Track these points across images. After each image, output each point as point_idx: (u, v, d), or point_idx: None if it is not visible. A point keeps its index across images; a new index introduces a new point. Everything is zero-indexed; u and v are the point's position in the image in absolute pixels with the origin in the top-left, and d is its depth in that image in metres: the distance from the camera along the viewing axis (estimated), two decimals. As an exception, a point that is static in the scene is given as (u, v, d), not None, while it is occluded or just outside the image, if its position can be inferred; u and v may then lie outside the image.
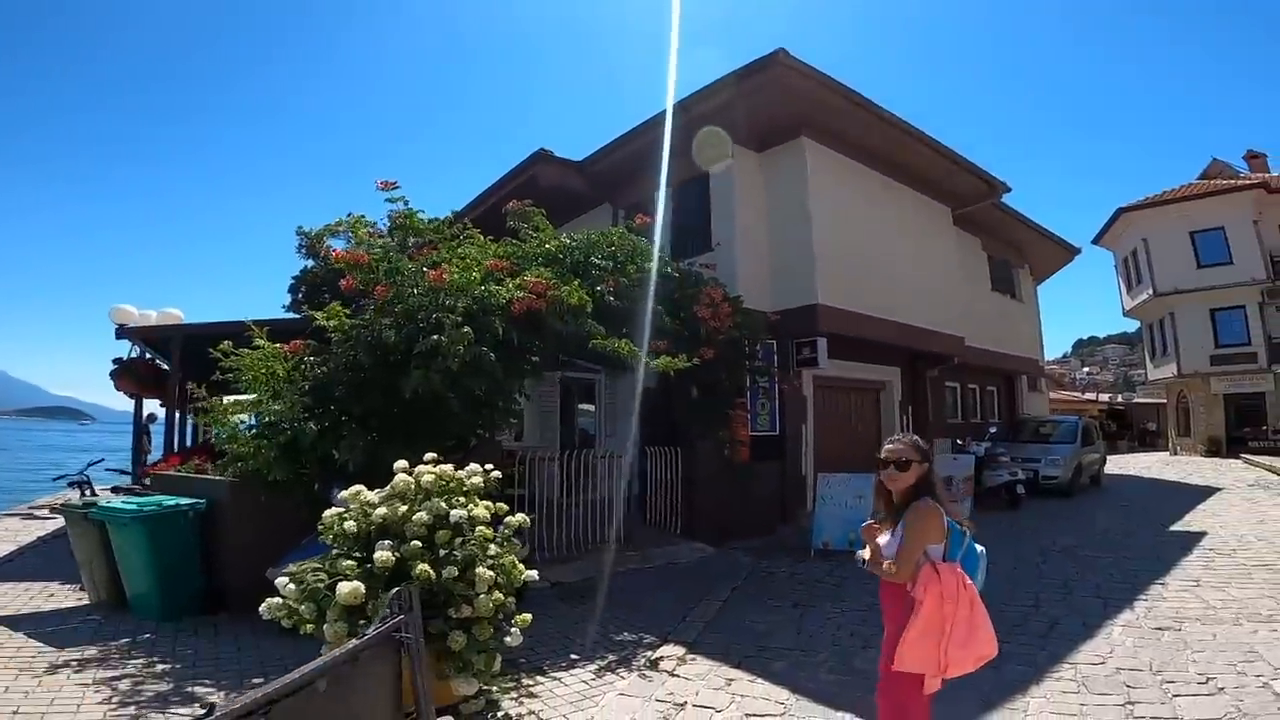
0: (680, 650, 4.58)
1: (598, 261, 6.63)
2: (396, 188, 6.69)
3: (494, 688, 3.55)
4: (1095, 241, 25.96)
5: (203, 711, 1.81)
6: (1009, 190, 12.83)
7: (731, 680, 4.05)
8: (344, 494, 3.61)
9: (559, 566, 6.54)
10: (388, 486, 3.49)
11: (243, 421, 5.53)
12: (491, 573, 3.22)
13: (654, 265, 6.98)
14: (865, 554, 2.67)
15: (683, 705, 3.70)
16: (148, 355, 10.43)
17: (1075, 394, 39.60)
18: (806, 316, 9.66)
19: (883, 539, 2.61)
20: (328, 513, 3.48)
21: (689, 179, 10.53)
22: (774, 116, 9.71)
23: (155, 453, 12.03)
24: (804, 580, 6.68)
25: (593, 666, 4.30)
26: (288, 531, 4.94)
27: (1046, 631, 4.78)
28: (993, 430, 13.20)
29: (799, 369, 10.03)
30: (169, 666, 4.25)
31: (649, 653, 4.54)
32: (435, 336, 4.82)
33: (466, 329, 4.87)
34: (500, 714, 3.52)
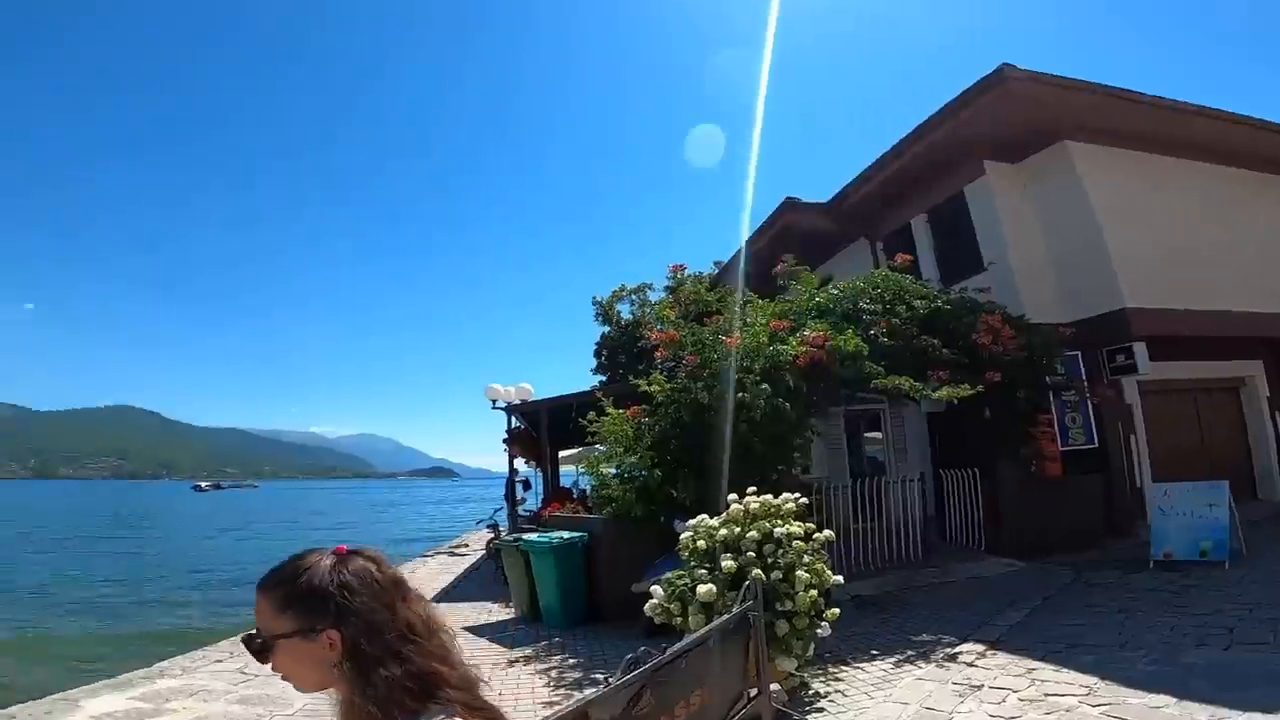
0: (980, 647, 4.96)
1: (866, 306, 7.33)
2: (684, 269, 8.25)
3: (804, 673, 4.48)
4: None
5: (632, 658, 3.06)
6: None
7: (1033, 669, 4.38)
8: (690, 522, 4.91)
9: (857, 582, 7.16)
10: (724, 513, 4.70)
11: (608, 471, 7.35)
12: (807, 574, 4.20)
13: (921, 302, 7.42)
14: None
15: (979, 687, 4.19)
16: (521, 425, 13.55)
17: None
18: (1115, 322, 9.01)
19: None
20: (683, 535, 4.79)
21: (943, 203, 10.57)
22: (1021, 127, 9.43)
23: (530, 500, 15.32)
24: (1134, 589, 6.41)
25: (892, 659, 4.95)
26: (643, 556, 6.42)
27: None
28: None
29: (1114, 377, 9.27)
30: (577, 660, 5.88)
31: (948, 649, 5.01)
32: (740, 394, 6.06)
33: (764, 385, 6.04)
34: (811, 691, 4.42)
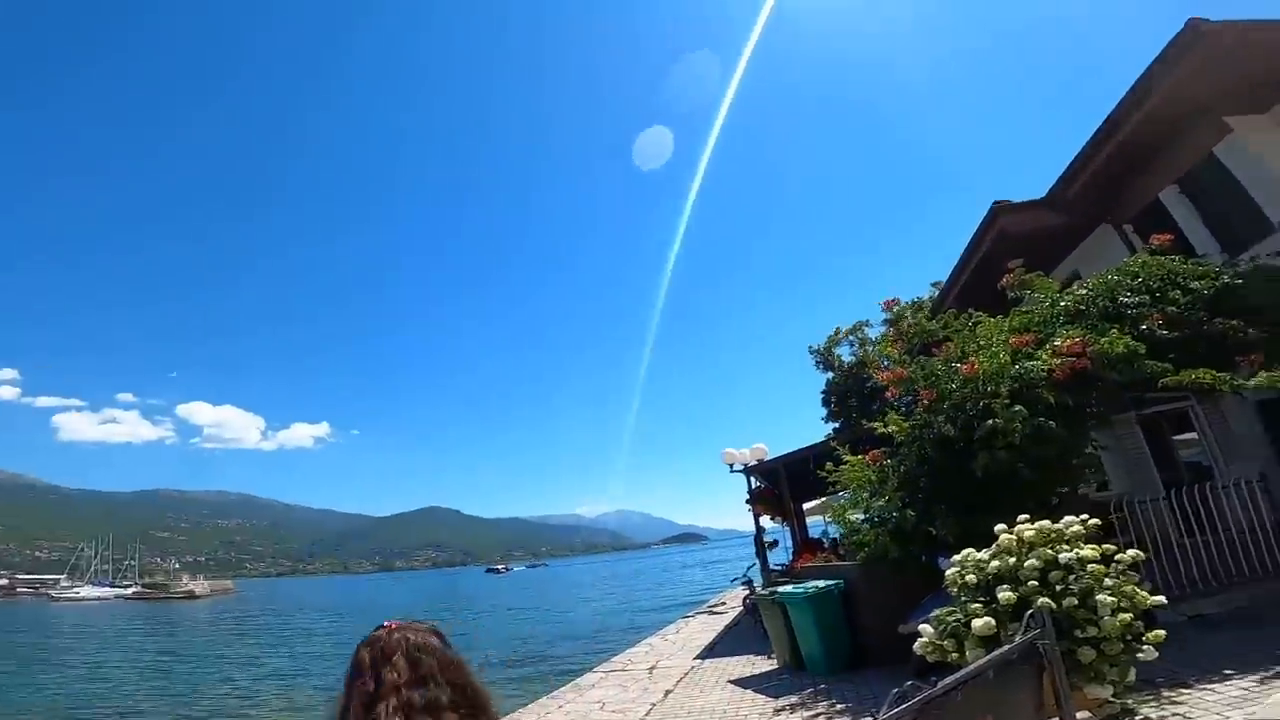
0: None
1: (1128, 299, 6.44)
2: (898, 302, 7.97)
3: (1129, 699, 3.90)
4: None
5: (908, 686, 3.00)
6: None
7: None
8: (955, 558, 4.65)
9: (1197, 600, 6.23)
10: (993, 546, 4.40)
11: (856, 517, 7.22)
12: (1112, 598, 3.75)
13: (1201, 283, 6.34)
14: None
15: None
16: (762, 484, 13.72)
17: None
18: None
19: None
20: (949, 572, 4.55)
21: (1193, 169, 8.95)
22: (1250, 77, 7.89)
23: (781, 554, 15.23)
24: None
25: (1253, 677, 4.21)
26: (905, 597, 6.20)
27: None
28: None
29: None
30: (845, 705, 5.83)
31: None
32: (989, 421, 5.65)
33: (1018, 407, 5.57)
34: (1139, 717, 3.89)
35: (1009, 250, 10.99)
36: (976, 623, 4.04)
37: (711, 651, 10.03)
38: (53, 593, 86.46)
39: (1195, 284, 6.46)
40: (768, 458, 13.23)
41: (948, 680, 3.26)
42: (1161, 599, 3.95)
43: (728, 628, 12.46)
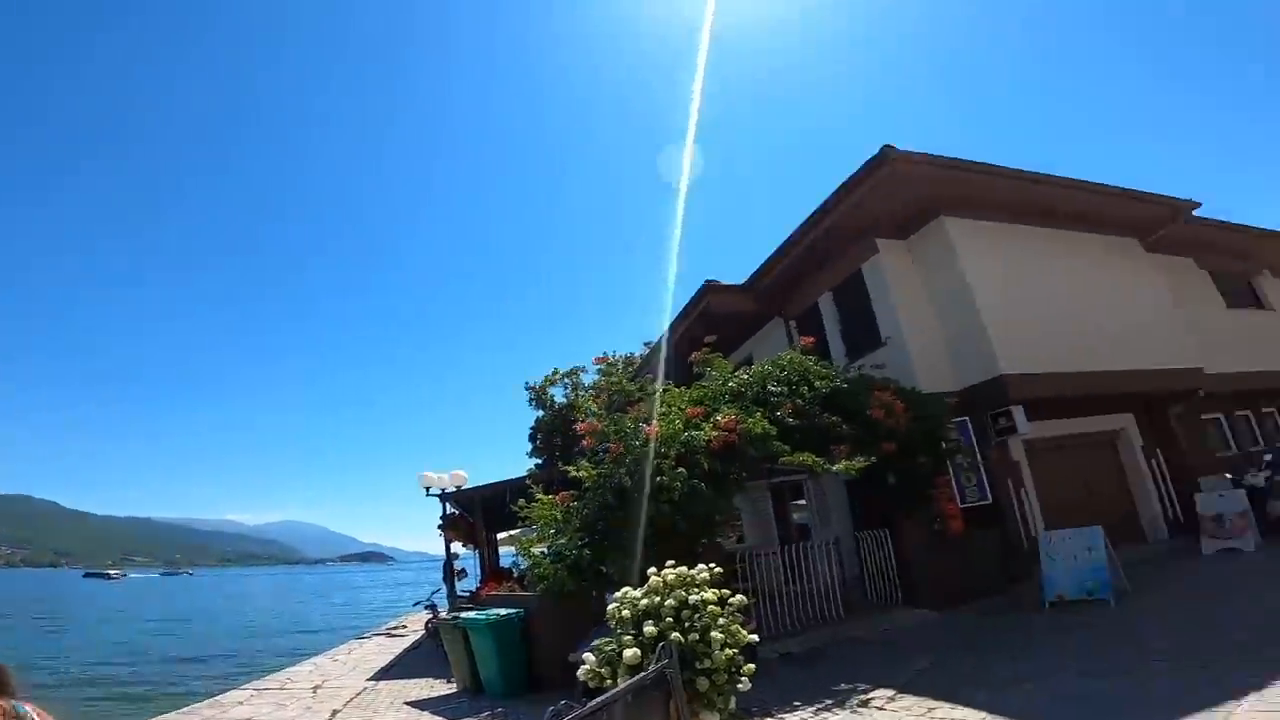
0: (890, 692, 5.56)
1: (774, 389, 8.16)
2: (608, 361, 8.99)
3: None
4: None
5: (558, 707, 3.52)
6: (1197, 206, 12.15)
7: (933, 708, 4.99)
8: (616, 595, 5.38)
9: (786, 640, 7.73)
10: (646, 585, 5.21)
11: (540, 551, 7.78)
12: (721, 635, 4.72)
13: (822, 382, 8.31)
14: None
15: None
16: (456, 511, 13.74)
17: None
18: (995, 388, 9.97)
19: None
20: (610, 606, 5.25)
21: (845, 281, 11.57)
22: (905, 204, 10.33)
23: (469, 581, 15.28)
24: (1028, 629, 7.20)
25: (812, 708, 5.49)
26: (577, 628, 6.82)
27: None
28: (1269, 457, 11.77)
29: (1000, 438, 10.32)
30: None
31: (861, 695, 5.59)
32: (659, 479, 6.69)
33: (680, 469, 6.70)
34: None
35: (709, 325, 12.89)
36: (627, 653, 4.74)
37: (387, 673, 9.69)
38: None
39: (819, 383, 8.44)
40: (466, 485, 13.33)
41: (594, 702, 3.84)
42: (755, 637, 5.05)
43: (407, 650, 12.11)
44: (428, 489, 12.82)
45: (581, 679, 5.08)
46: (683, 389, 8.54)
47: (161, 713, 7.52)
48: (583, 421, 8.38)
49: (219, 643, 20.03)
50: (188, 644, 19.63)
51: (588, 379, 25.01)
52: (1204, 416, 13.43)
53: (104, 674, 14.25)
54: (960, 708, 4.88)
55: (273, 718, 7.00)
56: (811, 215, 10.85)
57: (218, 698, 8.22)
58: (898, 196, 10.22)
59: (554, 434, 22.94)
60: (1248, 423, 14.42)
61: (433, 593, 12.79)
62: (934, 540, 9.11)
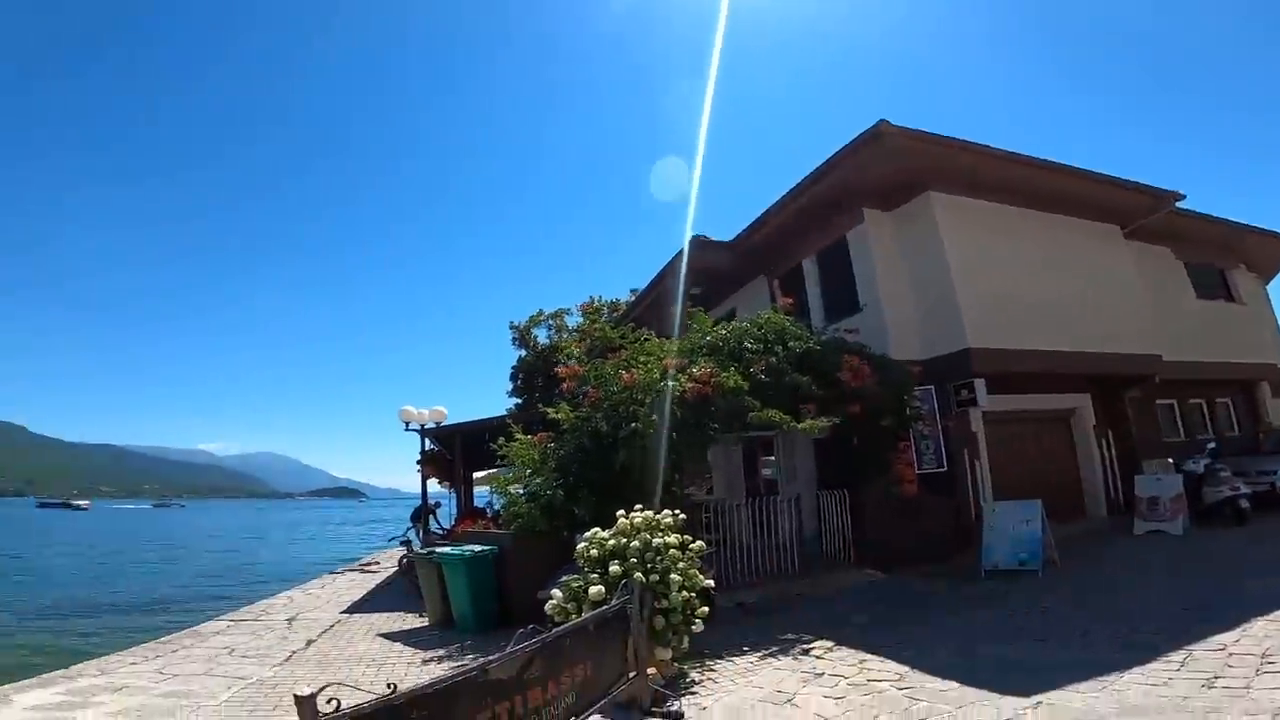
0: (829, 644, 5.99)
1: (750, 346, 8.40)
2: (594, 306, 9.15)
3: (685, 665, 5.33)
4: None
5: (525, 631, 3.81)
6: (1181, 198, 12.42)
7: (864, 661, 5.41)
8: (585, 535, 5.69)
9: (744, 591, 8.11)
10: (614, 527, 5.51)
11: (516, 490, 8.05)
12: (679, 577, 5.07)
13: (797, 343, 8.56)
14: None
15: (820, 674, 5.19)
16: (435, 447, 13.97)
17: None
18: (960, 360, 10.34)
19: None
20: (579, 546, 5.57)
21: (830, 245, 11.85)
22: (894, 177, 10.59)
23: (444, 519, 15.64)
24: (962, 595, 7.67)
25: (758, 654, 5.89)
26: (548, 566, 7.14)
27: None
28: (1211, 445, 12.41)
29: (960, 409, 10.74)
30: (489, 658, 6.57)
31: (803, 646, 6.02)
32: (633, 424, 6.94)
33: (654, 417, 6.93)
34: (687, 680, 5.28)
35: (696, 278, 13.08)
36: (592, 589, 5.06)
37: (361, 607, 9.97)
38: None
39: (794, 343, 8.69)
40: (446, 421, 13.50)
41: (560, 628, 4.15)
42: (711, 582, 5.41)
43: (380, 585, 12.42)
44: (407, 424, 12.99)
45: (549, 613, 5.41)
46: (663, 340, 8.74)
47: (143, 643, 7.72)
48: (564, 365, 8.58)
49: (200, 576, 20.30)
50: (168, 576, 19.85)
51: (572, 321, 25.15)
52: (1159, 402, 14.03)
53: (93, 604, 14.37)
54: (888, 661, 5.30)
55: (249, 646, 7.21)
56: (803, 181, 11.03)
57: (196, 628, 8.43)
58: (887, 169, 10.44)
59: (535, 375, 23.14)
60: (1200, 411, 15.09)
61: (406, 529, 13.06)
62: (888, 504, 9.53)
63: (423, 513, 14.88)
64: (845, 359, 8.78)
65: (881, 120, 9.59)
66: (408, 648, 7.15)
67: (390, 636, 7.73)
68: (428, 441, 13.49)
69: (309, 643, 7.36)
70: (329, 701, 2.35)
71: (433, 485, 15.27)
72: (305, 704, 2.31)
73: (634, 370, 7.62)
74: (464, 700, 3.22)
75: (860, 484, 9.59)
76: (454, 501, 17.47)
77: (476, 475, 16.71)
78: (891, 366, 9.48)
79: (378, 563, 16.06)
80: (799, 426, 7.73)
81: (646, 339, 8.83)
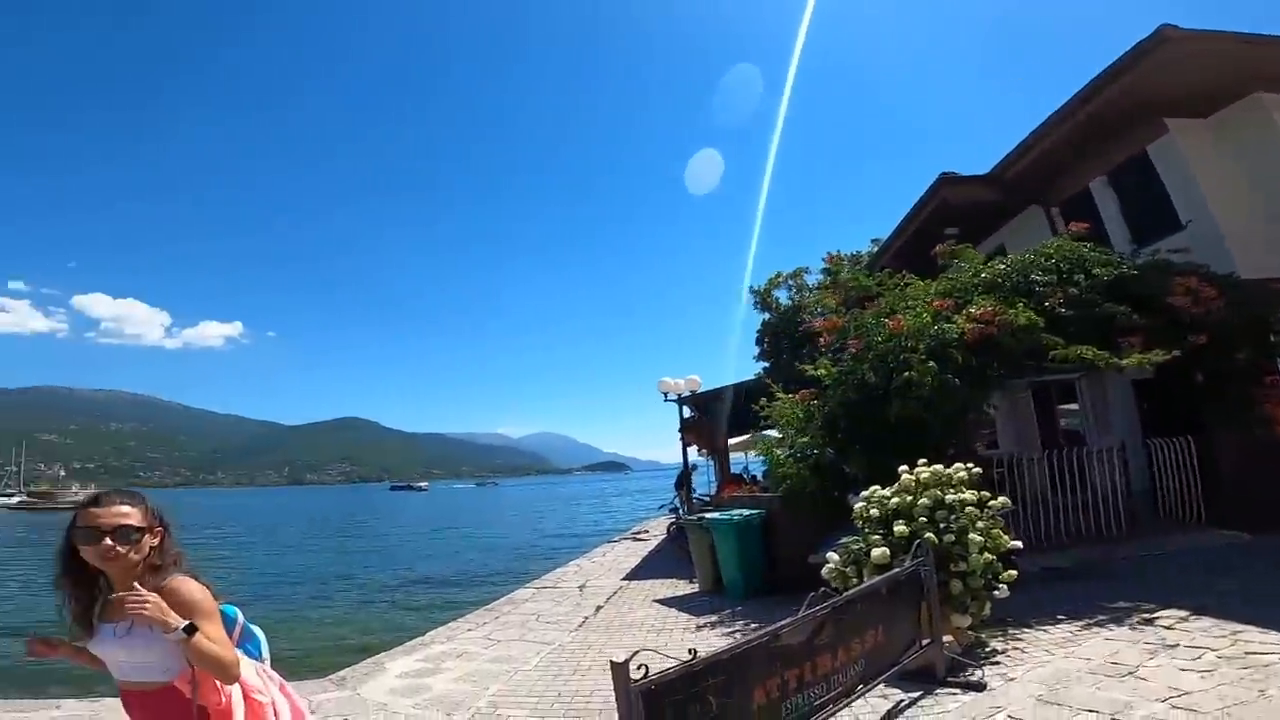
0: (1183, 613, 4.86)
1: (1039, 278, 7.14)
2: (841, 255, 8.48)
3: (984, 634, 4.69)
4: None
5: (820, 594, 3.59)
6: None
7: (1238, 632, 4.28)
8: (863, 494, 5.29)
9: (1052, 554, 7.08)
10: (895, 484, 5.04)
11: (781, 452, 7.86)
12: (979, 537, 4.45)
13: (1103, 270, 7.09)
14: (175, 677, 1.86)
15: (1174, 646, 4.19)
16: (695, 415, 14.37)
17: None
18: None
19: (122, 643, 1.86)
20: (857, 506, 5.20)
21: (1124, 163, 9.86)
22: (1201, 84, 8.63)
23: (702, 487, 16.14)
24: None
25: (1079, 623, 5.01)
26: (816, 529, 6.86)
27: None
28: None
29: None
30: (759, 625, 6.26)
31: (1145, 615, 4.96)
32: (906, 374, 6.29)
33: (930, 363, 6.22)
34: (988, 649, 4.65)
35: (947, 219, 11.72)
36: (875, 552, 4.69)
37: (637, 574, 10.63)
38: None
39: (1098, 270, 7.21)
40: (701, 389, 13.79)
41: (852, 591, 3.88)
42: (1018, 544, 4.67)
43: (651, 553, 13.16)
44: (665, 395, 13.51)
45: (825, 577, 5.14)
46: (927, 281, 7.84)
47: (471, 609, 9.02)
48: (819, 319, 8.14)
49: (511, 545, 23.53)
50: (490, 548, 23.03)
51: (812, 279, 24.40)
52: None
53: (427, 575, 16.88)
54: (1275, 632, 4.13)
55: (551, 613, 7.98)
56: (1075, 98, 9.32)
57: (511, 595, 9.58)
58: (1186, 77, 8.56)
59: (781, 336, 22.83)
60: None
61: (673, 497, 13.66)
62: (1254, 450, 7.53)
63: (685, 480, 15.44)
64: (1177, 282, 7.07)
65: (1164, 26, 7.82)
66: (682, 613, 7.36)
67: (665, 602, 8.02)
68: (685, 410, 13.88)
69: (597, 609, 7.95)
70: (639, 668, 2.51)
71: (691, 453, 15.73)
72: (620, 670, 2.48)
73: (900, 316, 6.91)
74: (756, 665, 3.16)
75: (1208, 429, 7.72)
76: (711, 468, 17.89)
77: (731, 441, 16.85)
78: (1243, 287, 7.49)
79: (647, 531, 17.10)
80: (1121, 363, 6.39)
81: (908, 283, 8.00)
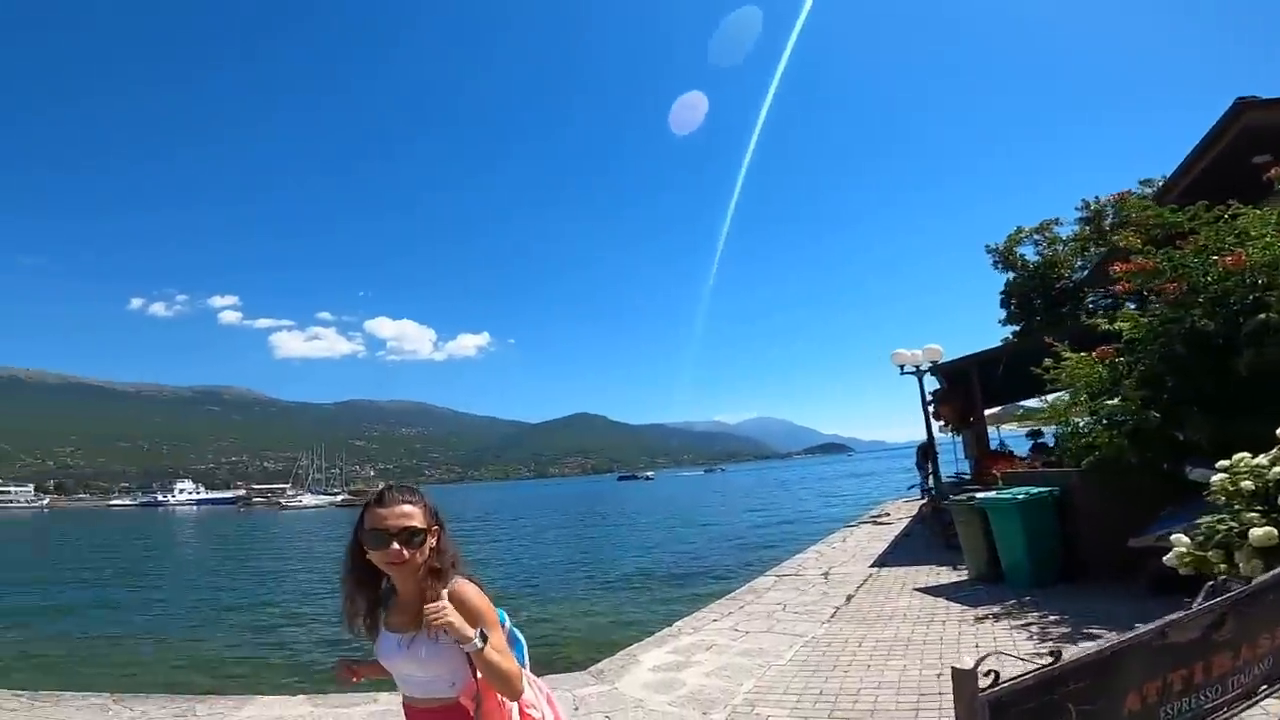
0: None
1: None
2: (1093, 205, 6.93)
3: None
4: None
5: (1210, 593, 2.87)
6: None
7: None
8: (1222, 463, 4.26)
9: None
10: (1273, 450, 3.97)
11: (1079, 420, 6.74)
12: None
13: None
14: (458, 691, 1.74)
15: None
16: (944, 385, 13.07)
17: None
18: None
19: (410, 655, 1.73)
20: (1216, 478, 4.19)
21: None
22: None
23: (948, 464, 14.56)
24: None
25: None
26: (1133, 507, 5.77)
27: None
28: None
29: None
30: (1060, 617, 5.55)
31: None
32: (1260, 315, 4.98)
33: (1296, 300, 4.86)
34: None
35: (1253, 146, 9.36)
36: (1255, 532, 3.72)
37: (886, 561, 9.91)
38: (282, 500, 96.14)
39: None
40: (942, 359, 12.47)
41: (1264, 578, 3.10)
42: None
43: (898, 537, 12.21)
44: (901, 367, 12.46)
45: (1169, 565, 4.24)
46: (1264, 210, 6.17)
47: (711, 599, 8.79)
48: (1122, 263, 6.83)
49: (741, 531, 23.42)
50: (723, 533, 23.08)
51: (1064, 231, 21.26)
52: None
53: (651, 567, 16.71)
54: None
55: (797, 602, 7.53)
56: None
57: (752, 584, 9.26)
58: None
59: (1032, 295, 20.27)
60: None
61: (924, 476, 12.56)
62: None
63: (930, 453, 14.07)
64: None
65: None
66: (953, 603, 6.63)
67: (928, 591, 7.29)
68: (937, 380, 12.66)
69: (848, 598, 7.42)
70: (986, 674, 2.12)
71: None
72: (965, 677, 2.11)
73: (1240, 251, 5.51)
74: (1133, 667, 2.59)
75: None
76: (959, 445, 16.20)
77: (987, 412, 15.05)
78: None
79: (888, 514, 15.89)
80: None
81: (1237, 213, 6.40)
